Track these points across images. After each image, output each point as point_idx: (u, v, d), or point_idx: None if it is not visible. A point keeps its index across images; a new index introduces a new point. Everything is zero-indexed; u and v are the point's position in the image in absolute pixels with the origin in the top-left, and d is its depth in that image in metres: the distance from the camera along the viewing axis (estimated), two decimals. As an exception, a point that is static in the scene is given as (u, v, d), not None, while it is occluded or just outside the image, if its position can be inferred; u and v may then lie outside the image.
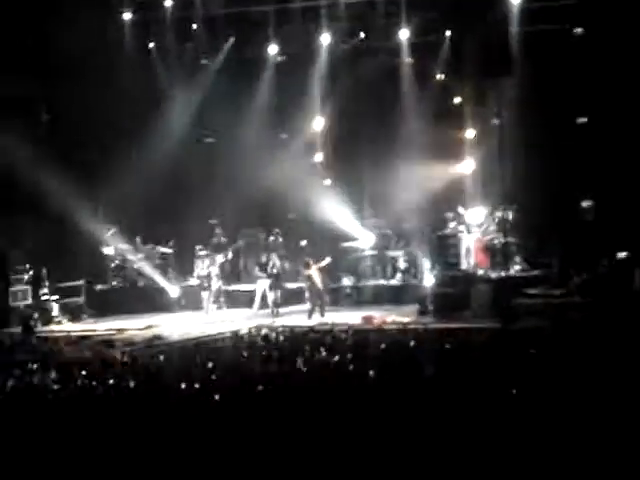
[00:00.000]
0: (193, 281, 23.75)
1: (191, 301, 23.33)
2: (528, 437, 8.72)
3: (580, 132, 22.15)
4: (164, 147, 23.87)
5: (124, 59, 23.95)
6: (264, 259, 22.67)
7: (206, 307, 22.61)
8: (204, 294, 22.80)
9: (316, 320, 20.08)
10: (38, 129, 23.82)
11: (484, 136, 22.90)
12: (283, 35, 24.20)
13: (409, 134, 22.99)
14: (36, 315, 20.91)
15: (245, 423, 9.64)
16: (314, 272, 21.20)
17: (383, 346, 14.22)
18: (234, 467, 8.82)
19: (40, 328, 20.70)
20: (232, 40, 24.59)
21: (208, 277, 22.85)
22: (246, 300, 22.86)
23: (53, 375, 13.13)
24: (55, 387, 12.23)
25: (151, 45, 24.87)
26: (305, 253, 22.83)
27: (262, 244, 24.23)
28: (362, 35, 23.90)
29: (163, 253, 24.41)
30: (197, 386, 11.52)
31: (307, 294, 21.47)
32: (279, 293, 22.15)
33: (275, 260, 22.74)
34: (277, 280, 22.27)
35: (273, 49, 24.43)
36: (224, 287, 23.45)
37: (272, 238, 24.08)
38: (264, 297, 22.10)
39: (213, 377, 12.11)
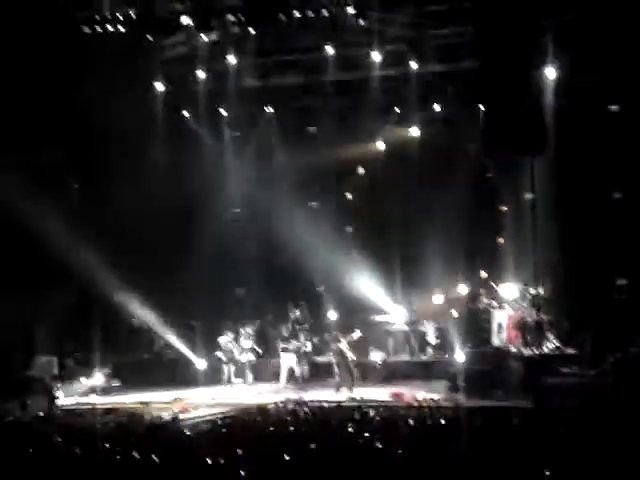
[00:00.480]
0: (219, 354, 23.53)
1: (217, 374, 23.10)
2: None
3: (615, 208, 22.01)
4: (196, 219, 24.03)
5: (157, 129, 24.10)
6: (289, 332, 22.46)
7: (229, 380, 22.45)
8: (226, 367, 22.69)
9: (344, 395, 19.79)
10: (68, 199, 23.83)
11: (517, 211, 22.81)
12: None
13: (443, 208, 22.92)
14: (60, 386, 20.71)
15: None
16: (344, 346, 20.95)
17: (412, 423, 14.02)
18: None
19: (65, 400, 20.58)
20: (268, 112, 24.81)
21: (233, 350, 22.68)
22: (272, 374, 22.62)
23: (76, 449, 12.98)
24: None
25: (186, 115, 25.06)
26: (334, 326, 22.67)
27: (289, 317, 24.04)
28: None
29: (190, 325, 24.28)
30: (223, 461, 11.37)
31: (336, 368, 21.19)
32: (305, 367, 21.94)
33: (301, 333, 22.66)
34: (303, 354, 22.10)
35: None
36: (249, 360, 23.26)
37: (298, 312, 23.92)
38: (291, 371, 21.85)
39: (240, 451, 11.92)
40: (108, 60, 22.06)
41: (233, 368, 22.71)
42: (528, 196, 22.12)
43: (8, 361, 20.56)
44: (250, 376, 23.01)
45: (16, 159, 21.57)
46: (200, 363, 23.24)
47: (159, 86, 24.42)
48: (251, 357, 23.19)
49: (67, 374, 22.03)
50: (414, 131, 24.14)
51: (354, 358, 21.17)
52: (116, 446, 12.72)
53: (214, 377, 23.06)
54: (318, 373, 22.62)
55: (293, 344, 22.33)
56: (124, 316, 23.86)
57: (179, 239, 24.14)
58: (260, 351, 23.53)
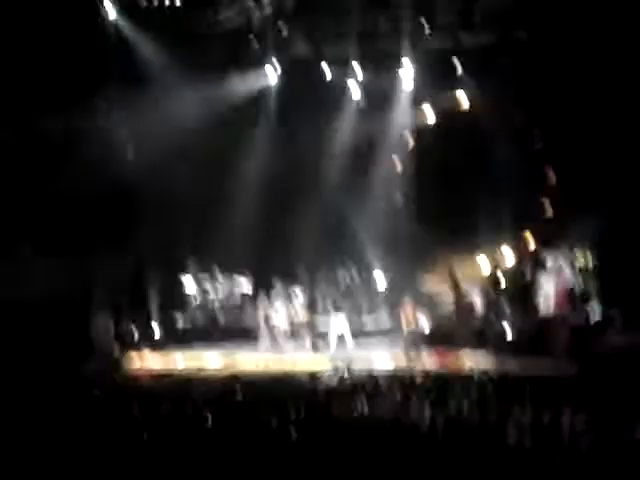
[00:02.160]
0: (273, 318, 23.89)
1: (270, 338, 23.36)
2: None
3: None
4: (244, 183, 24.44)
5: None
6: (341, 297, 22.75)
7: (282, 344, 22.75)
8: (278, 331, 22.96)
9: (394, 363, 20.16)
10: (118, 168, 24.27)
11: (567, 179, 22.85)
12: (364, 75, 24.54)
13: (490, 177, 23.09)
14: (117, 345, 21.24)
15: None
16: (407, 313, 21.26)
17: (459, 390, 14.36)
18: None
19: (121, 357, 21.08)
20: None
21: (284, 314, 23.01)
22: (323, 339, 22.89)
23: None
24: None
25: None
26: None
27: (341, 282, 24.33)
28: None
29: (243, 294, 24.70)
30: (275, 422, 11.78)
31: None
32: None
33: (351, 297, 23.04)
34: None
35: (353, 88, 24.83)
36: (301, 325, 23.60)
37: (349, 277, 24.25)
38: (341, 336, 22.17)
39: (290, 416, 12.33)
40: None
41: (281, 331, 22.92)
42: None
43: (69, 323, 20.89)
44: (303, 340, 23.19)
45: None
46: (252, 327, 23.61)
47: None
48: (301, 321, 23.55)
49: (123, 332, 22.50)
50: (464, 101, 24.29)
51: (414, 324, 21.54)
52: (175, 408, 13.25)
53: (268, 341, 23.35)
54: (368, 339, 22.90)
55: (343, 309, 22.60)
56: (178, 280, 24.36)
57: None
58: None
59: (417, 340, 21.61)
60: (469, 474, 9.90)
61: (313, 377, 17.11)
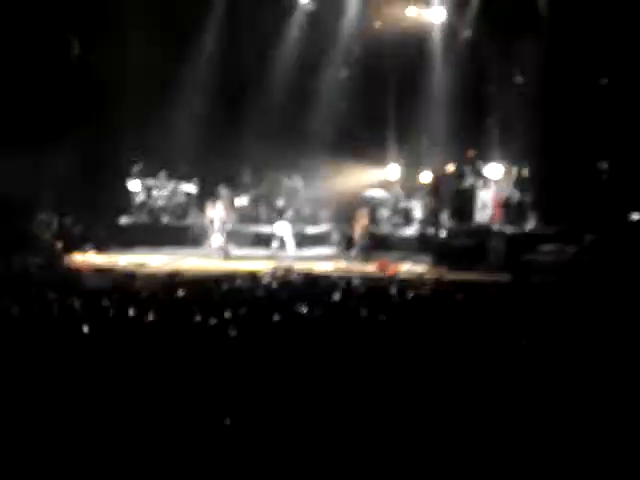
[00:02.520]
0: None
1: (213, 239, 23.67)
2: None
3: (601, 93, 22.38)
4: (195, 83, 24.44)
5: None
6: (282, 203, 23.03)
7: (223, 246, 22.97)
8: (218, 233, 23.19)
9: (333, 265, 20.49)
10: (69, 61, 24.08)
11: (507, 93, 23.18)
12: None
13: (436, 91, 23.34)
14: (61, 244, 21.26)
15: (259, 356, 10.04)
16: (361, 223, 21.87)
17: (395, 293, 14.70)
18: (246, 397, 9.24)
19: (65, 256, 21.15)
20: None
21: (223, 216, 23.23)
22: (263, 242, 23.29)
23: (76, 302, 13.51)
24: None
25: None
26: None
27: (283, 188, 24.60)
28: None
29: (187, 193, 24.85)
30: (214, 320, 11.95)
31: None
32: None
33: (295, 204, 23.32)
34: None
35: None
36: (242, 228, 23.91)
37: (291, 183, 24.53)
38: (282, 240, 22.51)
39: (229, 313, 12.53)
40: None
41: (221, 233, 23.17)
42: (518, 79, 22.50)
43: (8, 217, 20.81)
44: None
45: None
46: (194, 228, 23.84)
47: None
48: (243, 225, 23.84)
49: (66, 231, 22.54)
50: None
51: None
52: (114, 302, 13.37)
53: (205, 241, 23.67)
54: (307, 243, 23.40)
55: (289, 213, 22.91)
56: (122, 179, 24.39)
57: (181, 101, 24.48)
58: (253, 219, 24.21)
59: (369, 249, 22.15)
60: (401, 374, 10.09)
61: (254, 277, 17.37)
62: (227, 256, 22.28)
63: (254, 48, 24.71)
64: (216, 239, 22.94)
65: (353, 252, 22.04)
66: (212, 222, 23.10)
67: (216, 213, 23.13)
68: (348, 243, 22.40)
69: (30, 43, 22.19)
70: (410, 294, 14.80)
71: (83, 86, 23.47)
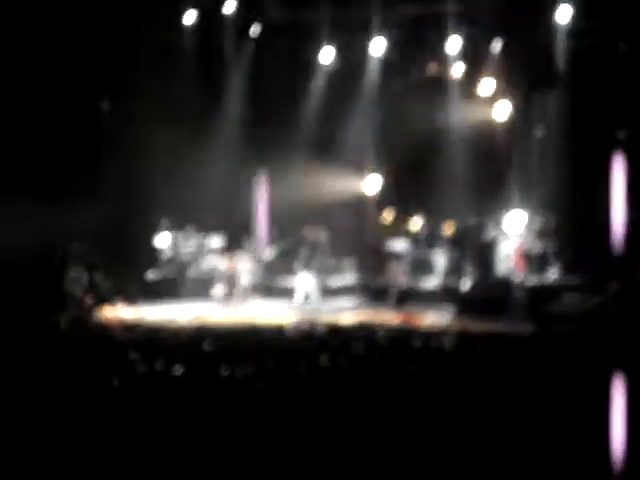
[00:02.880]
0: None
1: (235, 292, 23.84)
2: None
3: (620, 146, 22.59)
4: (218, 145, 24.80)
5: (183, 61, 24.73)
6: (307, 254, 23.24)
7: (242, 298, 23.21)
8: (241, 285, 23.46)
9: (356, 317, 20.52)
10: (98, 121, 24.51)
11: (527, 145, 23.44)
12: (337, 42, 24.93)
13: (455, 140, 23.68)
14: (91, 299, 21.48)
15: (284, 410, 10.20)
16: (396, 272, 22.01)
17: (419, 345, 14.83)
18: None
19: (93, 310, 21.39)
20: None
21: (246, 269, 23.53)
22: (289, 294, 23.45)
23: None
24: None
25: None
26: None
27: (309, 240, 24.83)
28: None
29: (212, 248, 25.11)
30: (241, 373, 12.11)
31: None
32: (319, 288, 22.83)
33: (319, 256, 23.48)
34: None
35: (326, 55, 25.21)
36: (266, 281, 24.15)
37: (317, 235, 24.77)
38: (306, 292, 22.70)
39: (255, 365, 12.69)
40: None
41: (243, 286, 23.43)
42: (539, 130, 22.75)
43: (41, 273, 21.09)
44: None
45: (48, 77, 22.25)
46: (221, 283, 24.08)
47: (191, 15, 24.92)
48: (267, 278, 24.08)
49: (96, 286, 22.72)
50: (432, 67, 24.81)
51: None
52: (144, 355, 13.57)
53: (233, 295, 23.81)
54: (332, 295, 23.56)
55: (312, 265, 23.12)
56: (150, 234, 24.71)
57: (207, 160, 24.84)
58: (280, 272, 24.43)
59: (404, 298, 22.32)
60: (426, 425, 10.17)
61: (279, 329, 17.51)
62: (241, 304, 22.57)
63: (279, 106, 25.08)
64: (219, 289, 23.22)
65: (390, 302, 22.18)
66: (236, 274, 23.31)
67: (241, 265, 23.33)
68: (399, 297, 22.47)
69: (61, 100, 22.52)
70: (434, 346, 14.92)
71: (113, 142, 23.82)
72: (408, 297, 22.66)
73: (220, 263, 23.82)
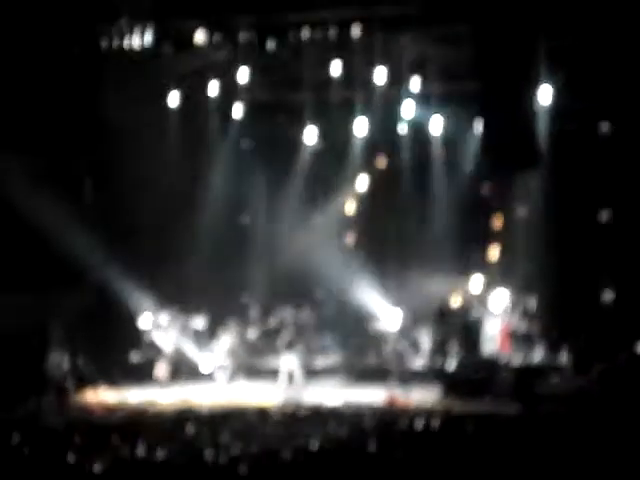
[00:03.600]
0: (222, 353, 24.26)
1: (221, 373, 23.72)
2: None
3: (603, 227, 22.75)
4: (202, 225, 24.84)
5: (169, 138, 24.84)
6: (290, 336, 23.09)
7: (227, 378, 23.13)
8: (227, 366, 23.36)
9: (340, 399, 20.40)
10: (82, 201, 24.52)
11: (510, 225, 23.59)
12: (320, 123, 25.18)
13: (438, 223, 23.84)
14: (72, 382, 21.28)
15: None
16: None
17: (405, 428, 14.72)
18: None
19: (75, 394, 21.13)
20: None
21: (234, 350, 23.41)
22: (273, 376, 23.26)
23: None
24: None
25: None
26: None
27: (292, 321, 24.70)
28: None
29: (196, 330, 24.95)
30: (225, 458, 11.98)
31: None
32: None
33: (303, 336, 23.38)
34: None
35: (309, 135, 25.42)
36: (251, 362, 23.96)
37: (301, 315, 24.69)
38: (290, 374, 22.50)
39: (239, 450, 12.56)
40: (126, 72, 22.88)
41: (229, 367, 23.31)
42: (521, 210, 22.89)
43: (22, 357, 20.89)
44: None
45: (32, 160, 22.30)
46: (206, 364, 23.88)
47: (175, 98, 25.07)
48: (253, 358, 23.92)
49: (78, 369, 22.41)
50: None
51: None
52: (126, 441, 13.41)
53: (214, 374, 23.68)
54: (317, 376, 23.28)
55: (292, 347, 22.96)
56: (133, 316, 24.54)
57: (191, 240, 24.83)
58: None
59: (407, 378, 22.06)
60: None
61: (263, 412, 17.37)
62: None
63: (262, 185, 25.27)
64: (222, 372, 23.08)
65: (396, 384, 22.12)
66: (220, 355, 23.25)
67: (224, 345, 23.23)
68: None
69: (45, 183, 22.57)
70: (419, 426, 14.84)
71: (95, 225, 23.78)
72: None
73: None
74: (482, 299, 23.27)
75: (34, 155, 22.32)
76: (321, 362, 24.27)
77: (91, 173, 24.55)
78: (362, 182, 25.90)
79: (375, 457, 12.31)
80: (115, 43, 22.65)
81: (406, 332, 23.90)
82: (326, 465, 11.83)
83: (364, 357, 23.91)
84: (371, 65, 23.36)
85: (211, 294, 24.97)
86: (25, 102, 21.99)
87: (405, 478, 11.03)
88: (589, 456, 11.55)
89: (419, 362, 23.35)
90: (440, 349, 22.97)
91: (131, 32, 22.63)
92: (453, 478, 10.89)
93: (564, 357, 21.70)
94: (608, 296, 22.78)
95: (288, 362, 22.48)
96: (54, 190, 22.41)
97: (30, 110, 22.01)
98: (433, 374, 22.11)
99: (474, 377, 20.58)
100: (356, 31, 22.29)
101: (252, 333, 24.79)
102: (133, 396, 21.31)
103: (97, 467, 11.93)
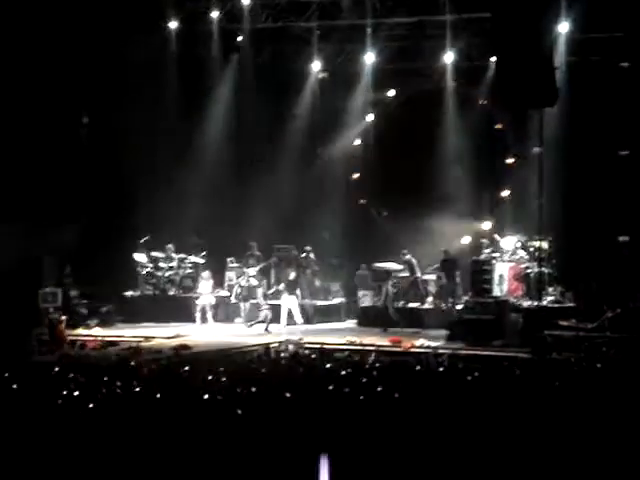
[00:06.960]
0: (223, 292, 23.81)
1: (220, 312, 23.40)
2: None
3: (621, 165, 22.14)
4: (203, 163, 24.22)
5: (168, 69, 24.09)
6: (292, 276, 22.59)
7: (246, 317, 22.82)
8: (243, 305, 23.09)
9: (344, 339, 19.98)
10: (78, 136, 23.92)
11: (524, 164, 22.98)
12: (327, 52, 24.39)
13: (449, 157, 23.20)
14: (64, 317, 20.88)
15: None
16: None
17: (410, 368, 14.24)
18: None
19: (68, 331, 20.74)
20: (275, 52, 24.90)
21: (246, 288, 23.06)
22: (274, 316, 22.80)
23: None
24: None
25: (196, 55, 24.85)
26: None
27: (294, 261, 24.18)
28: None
29: (194, 263, 24.42)
30: (220, 397, 11.53)
31: None
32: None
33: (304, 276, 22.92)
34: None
35: (316, 65, 24.67)
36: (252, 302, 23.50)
37: (304, 255, 24.14)
38: (291, 313, 22.04)
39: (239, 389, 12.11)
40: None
41: (246, 305, 23.06)
42: (535, 149, 22.20)
43: (14, 290, 20.55)
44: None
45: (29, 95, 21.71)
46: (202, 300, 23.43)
47: (173, 24, 24.24)
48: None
49: (71, 305, 22.16)
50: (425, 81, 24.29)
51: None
52: (117, 379, 12.94)
53: (217, 315, 23.29)
54: (319, 316, 23.13)
55: (294, 287, 22.49)
56: (129, 251, 24.04)
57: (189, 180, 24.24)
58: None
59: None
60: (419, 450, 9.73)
61: (264, 351, 17.01)
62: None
63: (266, 121, 24.52)
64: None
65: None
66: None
67: (225, 285, 23.07)
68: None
69: (41, 117, 22.03)
70: (423, 369, 14.40)
71: (93, 159, 23.39)
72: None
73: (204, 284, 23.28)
74: (494, 241, 22.75)
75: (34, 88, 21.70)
76: (323, 303, 23.95)
77: (89, 109, 24.03)
78: (371, 115, 25.26)
79: (380, 396, 11.82)
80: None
81: (413, 273, 23.47)
82: (328, 404, 11.36)
83: (367, 297, 23.61)
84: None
85: (212, 232, 24.35)
86: (24, 35, 21.43)
87: (409, 418, 10.53)
88: (596, 405, 11.07)
89: (425, 304, 22.95)
90: (447, 293, 22.57)
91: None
92: (455, 419, 10.38)
93: (575, 301, 21.27)
94: (624, 240, 22.19)
95: (288, 301, 22.06)
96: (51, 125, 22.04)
97: (29, 43, 21.46)
98: (440, 316, 21.69)
99: (483, 319, 20.08)
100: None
101: (252, 272, 24.21)
102: (129, 333, 20.86)
103: (90, 403, 11.41)
